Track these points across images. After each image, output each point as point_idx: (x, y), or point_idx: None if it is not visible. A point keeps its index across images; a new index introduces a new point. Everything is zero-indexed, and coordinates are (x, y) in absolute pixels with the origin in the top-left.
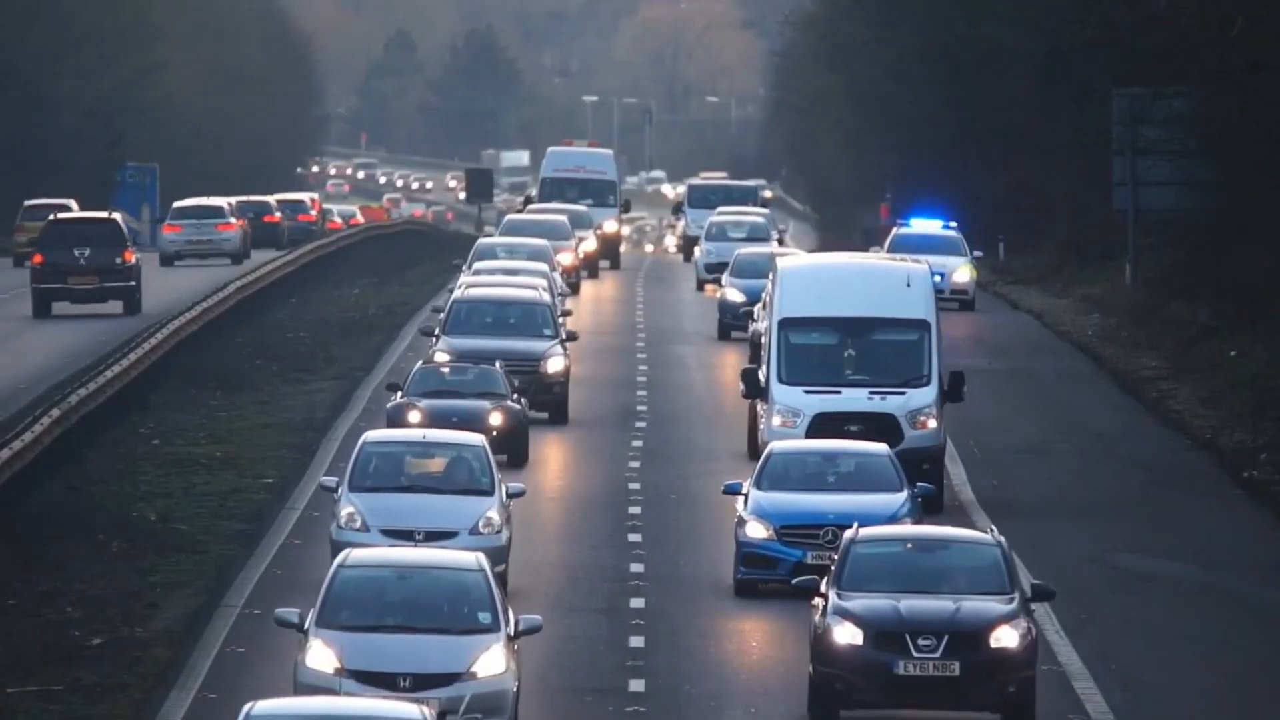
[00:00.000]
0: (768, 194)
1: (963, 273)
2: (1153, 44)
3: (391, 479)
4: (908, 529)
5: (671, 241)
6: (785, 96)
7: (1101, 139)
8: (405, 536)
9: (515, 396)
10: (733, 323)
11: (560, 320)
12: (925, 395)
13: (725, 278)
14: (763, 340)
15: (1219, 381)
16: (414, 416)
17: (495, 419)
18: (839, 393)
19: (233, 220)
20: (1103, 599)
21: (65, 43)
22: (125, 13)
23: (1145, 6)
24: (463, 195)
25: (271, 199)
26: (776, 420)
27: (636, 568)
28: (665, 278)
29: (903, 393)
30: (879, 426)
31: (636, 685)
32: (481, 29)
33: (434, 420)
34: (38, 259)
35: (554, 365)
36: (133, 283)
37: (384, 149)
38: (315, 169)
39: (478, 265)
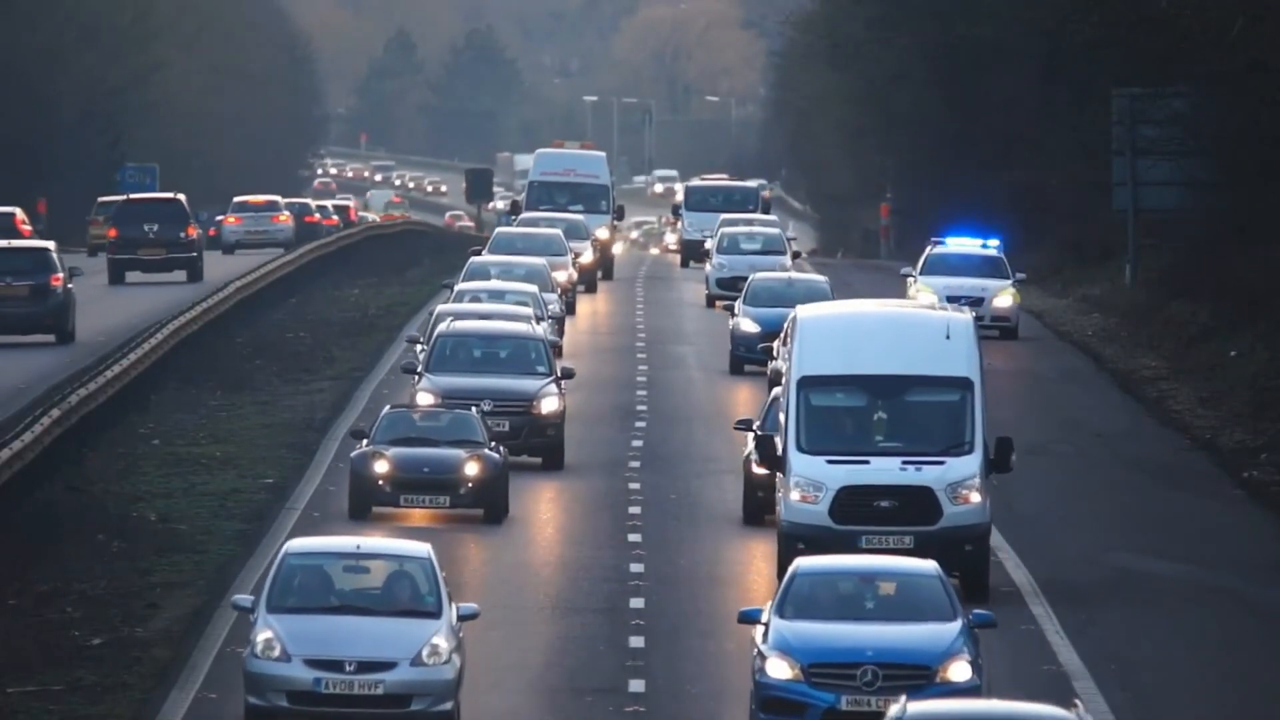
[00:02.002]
0: (767, 194)
1: (1004, 297)
2: (1153, 44)
3: (318, 598)
4: (965, 705)
5: (671, 239)
6: (785, 96)
7: (1101, 139)
8: (334, 667)
9: (494, 444)
10: (746, 356)
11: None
12: (967, 465)
13: (739, 305)
14: (782, 380)
15: (1219, 381)
16: (381, 466)
17: (471, 469)
18: (868, 463)
19: (286, 214)
20: (1103, 599)
21: (65, 43)
22: (125, 13)
23: (1145, 6)
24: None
25: (311, 201)
26: (795, 495)
27: (636, 568)
28: (664, 277)
29: (941, 462)
30: (914, 502)
31: (636, 685)
32: (481, 29)
33: (403, 470)
34: (112, 233)
35: (548, 405)
36: (195, 254)
37: (384, 149)
38: (334, 170)
39: (460, 287)
